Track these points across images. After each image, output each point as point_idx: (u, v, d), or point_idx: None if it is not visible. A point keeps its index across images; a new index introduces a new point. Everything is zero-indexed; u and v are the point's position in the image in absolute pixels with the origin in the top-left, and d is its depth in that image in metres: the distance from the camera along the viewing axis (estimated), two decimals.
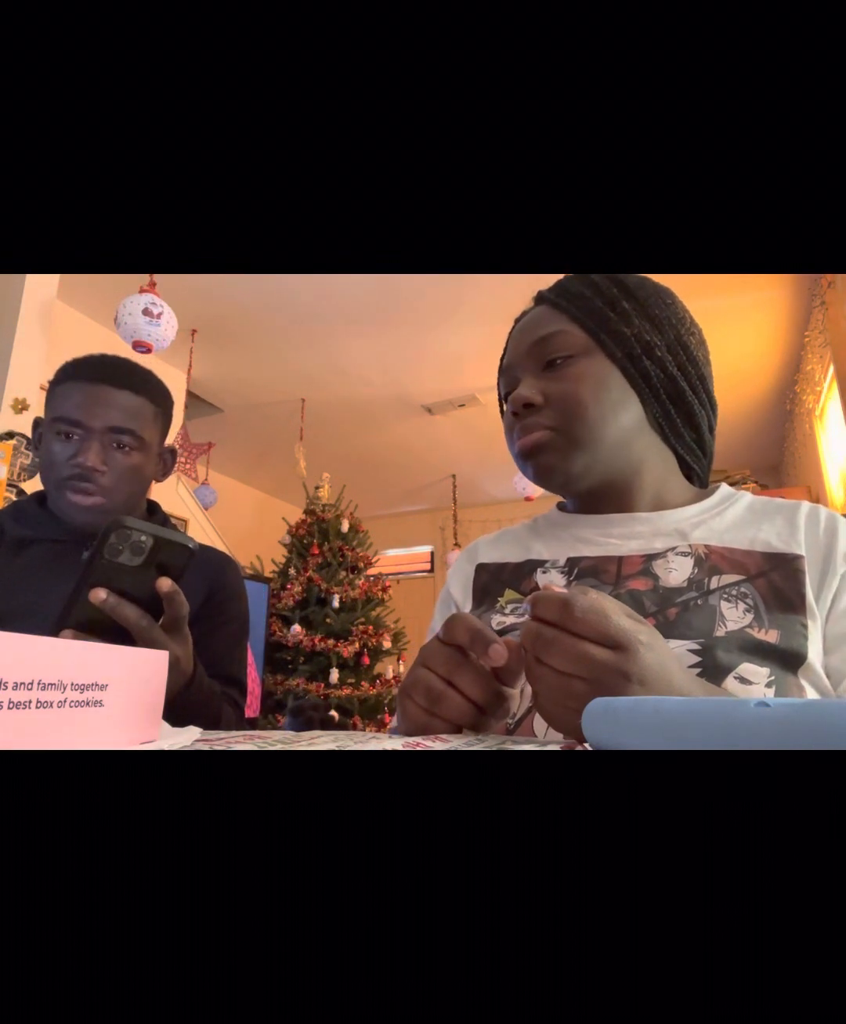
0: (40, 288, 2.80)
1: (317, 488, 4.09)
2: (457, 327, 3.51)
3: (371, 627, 3.75)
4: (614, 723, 0.30)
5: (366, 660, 3.70)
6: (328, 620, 3.64)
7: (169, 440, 0.96)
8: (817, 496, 3.65)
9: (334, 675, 3.51)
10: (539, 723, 0.53)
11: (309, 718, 2.68)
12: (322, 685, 3.49)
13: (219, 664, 0.89)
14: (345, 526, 3.92)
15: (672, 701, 0.28)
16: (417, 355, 3.79)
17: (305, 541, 3.89)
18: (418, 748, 0.33)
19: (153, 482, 0.95)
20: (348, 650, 3.60)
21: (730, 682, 0.49)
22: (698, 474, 0.70)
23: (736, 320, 3.42)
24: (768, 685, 0.50)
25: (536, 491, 4.13)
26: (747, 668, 0.50)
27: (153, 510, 1.00)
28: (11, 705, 0.27)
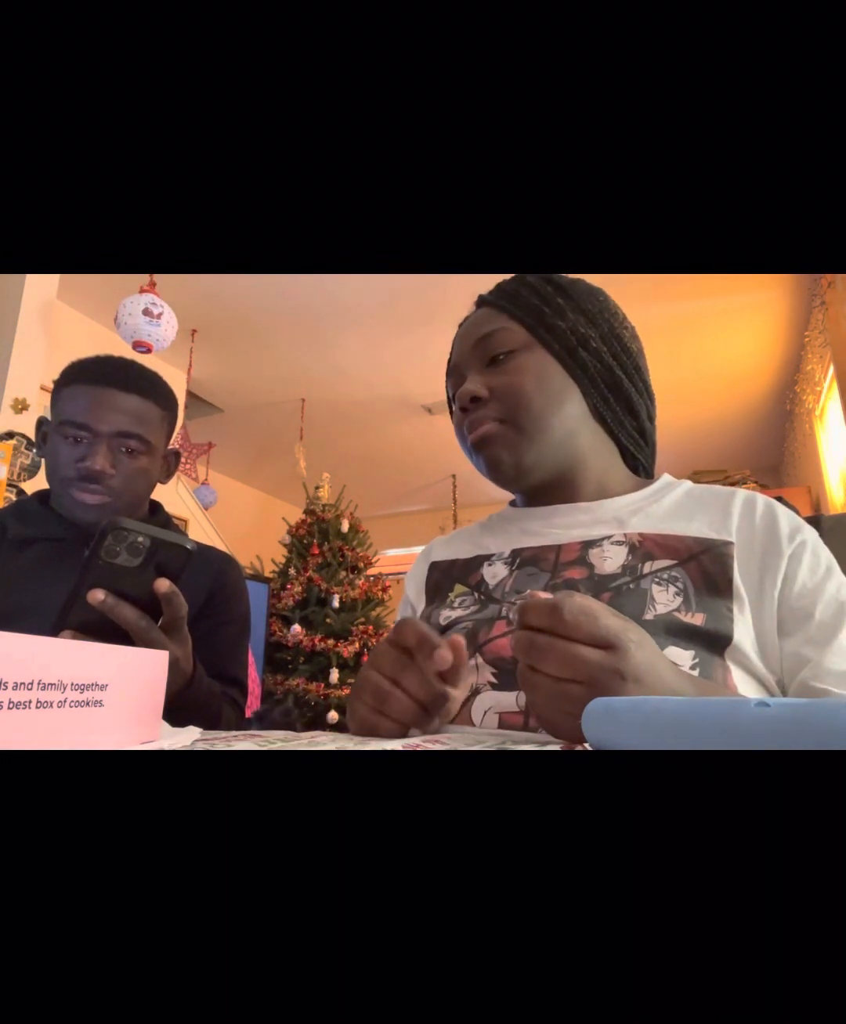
0: (40, 288, 2.80)
1: (317, 488, 4.08)
2: (457, 327, 3.51)
3: (371, 627, 3.75)
4: (614, 723, 0.30)
5: (366, 660, 3.70)
6: (328, 620, 3.64)
7: (171, 442, 0.97)
8: (817, 496, 3.65)
9: (334, 675, 3.50)
10: (478, 709, 0.55)
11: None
12: (322, 685, 3.49)
13: (220, 664, 0.89)
14: (345, 526, 3.92)
15: (672, 701, 0.28)
16: (417, 355, 3.79)
17: (305, 541, 3.89)
18: (418, 749, 0.34)
19: (157, 484, 0.96)
20: (348, 650, 3.60)
21: None
22: (643, 464, 0.72)
23: (736, 320, 3.42)
24: (693, 667, 0.51)
25: None
26: (672, 652, 0.51)
27: (156, 510, 1.00)
28: (11, 705, 0.27)
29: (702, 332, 3.50)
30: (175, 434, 3.50)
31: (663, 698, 0.29)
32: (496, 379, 0.65)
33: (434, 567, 0.74)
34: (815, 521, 0.73)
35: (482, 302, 0.72)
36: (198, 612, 0.89)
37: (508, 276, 0.73)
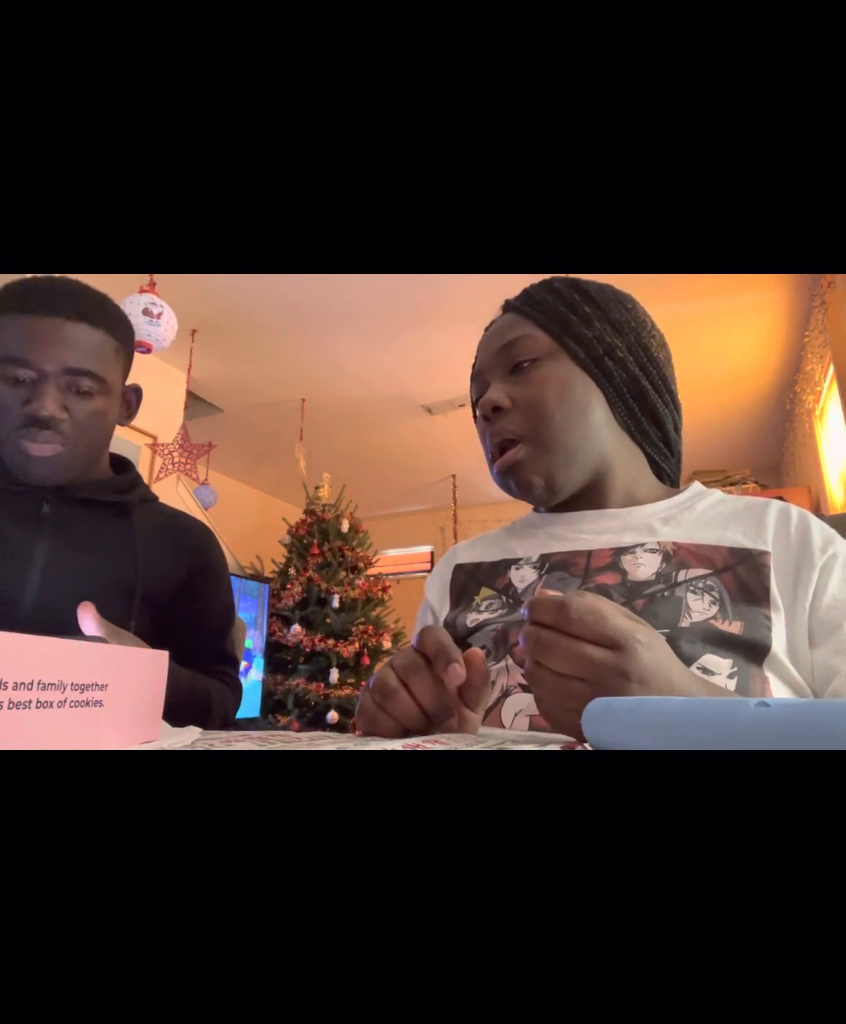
0: None
1: (317, 488, 4.08)
2: (457, 327, 3.51)
3: (371, 627, 3.74)
4: (614, 723, 0.30)
5: (366, 660, 3.70)
6: (328, 620, 3.64)
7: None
8: (817, 496, 3.64)
9: (334, 675, 3.50)
10: (508, 711, 0.55)
11: None
12: (322, 685, 3.49)
13: (212, 645, 0.87)
14: (345, 526, 3.92)
15: (672, 701, 0.28)
16: (417, 355, 3.78)
17: (305, 541, 3.89)
18: (418, 748, 0.33)
19: (117, 426, 0.86)
20: (348, 650, 3.59)
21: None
22: (668, 474, 0.72)
23: (736, 320, 3.42)
24: (730, 676, 0.51)
25: None
26: (710, 659, 0.51)
27: (123, 467, 0.90)
28: (11, 705, 0.27)
29: (702, 332, 3.49)
30: (175, 433, 3.51)
31: (663, 698, 0.29)
32: (519, 390, 0.65)
33: (459, 569, 0.73)
34: None
35: (508, 308, 0.72)
36: (178, 592, 0.84)
37: (536, 279, 0.72)
